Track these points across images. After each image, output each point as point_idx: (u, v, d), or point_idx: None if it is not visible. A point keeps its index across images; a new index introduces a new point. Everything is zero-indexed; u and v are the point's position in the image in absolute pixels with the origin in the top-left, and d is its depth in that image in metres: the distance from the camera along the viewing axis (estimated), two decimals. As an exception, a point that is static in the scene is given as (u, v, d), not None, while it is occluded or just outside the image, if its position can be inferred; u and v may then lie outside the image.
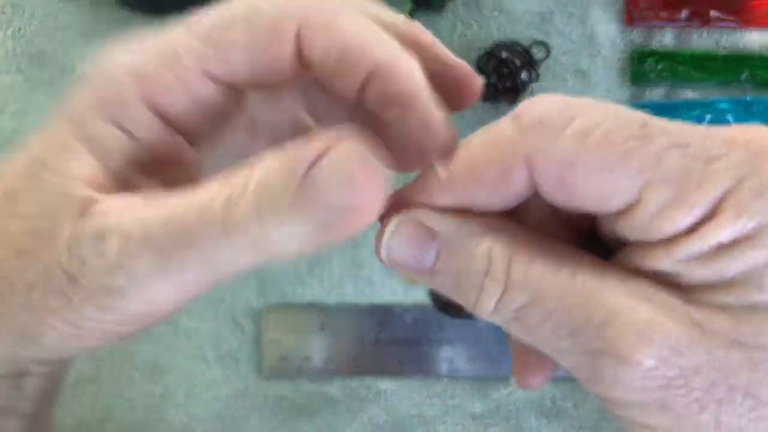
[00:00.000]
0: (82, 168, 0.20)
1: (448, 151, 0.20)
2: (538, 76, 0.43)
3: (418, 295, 0.45)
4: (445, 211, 0.20)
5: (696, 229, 0.18)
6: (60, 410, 0.44)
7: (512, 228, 0.20)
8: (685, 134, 0.18)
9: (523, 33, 0.45)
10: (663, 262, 0.18)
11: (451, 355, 0.45)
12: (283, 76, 0.21)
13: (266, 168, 0.19)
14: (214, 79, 0.21)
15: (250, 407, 0.46)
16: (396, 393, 0.46)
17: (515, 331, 0.20)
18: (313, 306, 0.45)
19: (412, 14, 0.44)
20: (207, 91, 0.21)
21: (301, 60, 0.21)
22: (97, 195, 0.20)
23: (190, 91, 0.21)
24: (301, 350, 0.45)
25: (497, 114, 0.44)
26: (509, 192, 0.20)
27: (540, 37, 0.45)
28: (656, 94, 0.45)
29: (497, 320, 0.20)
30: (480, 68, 0.44)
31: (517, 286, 0.19)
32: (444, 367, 0.45)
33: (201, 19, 0.21)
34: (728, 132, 0.18)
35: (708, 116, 0.44)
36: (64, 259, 0.19)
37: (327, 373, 0.45)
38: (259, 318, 0.45)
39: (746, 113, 0.46)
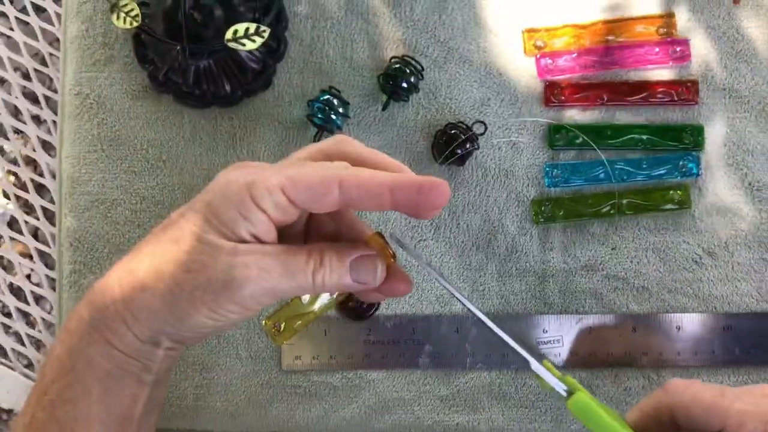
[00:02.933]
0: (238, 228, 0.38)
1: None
2: (478, 146, 0.58)
3: (396, 309, 0.59)
4: None
5: None
6: None
7: None
8: None
9: (468, 114, 0.59)
10: None
11: (422, 352, 0.58)
12: (325, 209, 0.38)
13: (332, 252, 0.38)
14: (292, 201, 0.38)
15: (273, 394, 0.58)
16: (382, 381, 0.58)
17: None
18: (319, 317, 0.59)
19: (386, 104, 0.59)
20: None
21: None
22: (241, 246, 0.37)
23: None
24: (311, 350, 0.58)
25: (449, 173, 0.58)
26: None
27: (480, 117, 0.59)
28: (568, 156, 0.58)
29: None
30: (437, 140, 0.58)
31: None
32: (418, 361, 0.58)
33: (292, 171, 0.38)
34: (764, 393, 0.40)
35: (602, 169, 0.59)
36: (221, 275, 0.36)
37: (330, 368, 0.58)
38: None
39: (637, 169, 0.59)
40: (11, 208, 0.66)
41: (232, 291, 0.37)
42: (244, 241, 0.38)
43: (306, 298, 0.44)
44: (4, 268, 0.67)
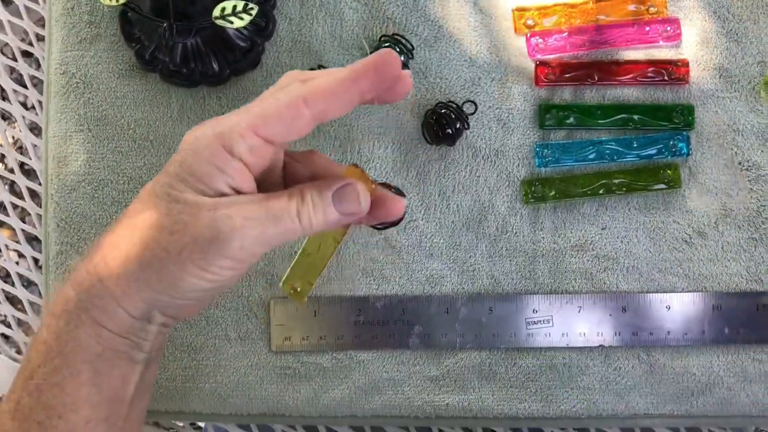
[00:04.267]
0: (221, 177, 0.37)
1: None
2: (468, 125, 0.58)
3: (386, 290, 0.59)
4: None
5: None
6: None
7: None
8: None
9: (458, 93, 0.59)
10: None
11: (412, 332, 0.58)
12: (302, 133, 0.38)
13: (313, 189, 0.38)
14: (267, 139, 0.38)
15: (263, 375, 0.58)
16: (372, 362, 0.58)
17: None
18: (308, 297, 0.59)
19: (376, 82, 0.58)
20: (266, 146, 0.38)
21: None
22: (221, 200, 0.37)
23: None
24: (301, 331, 0.58)
25: (439, 153, 0.58)
26: None
27: (470, 96, 0.59)
28: (558, 136, 0.58)
29: None
30: (427, 120, 0.58)
31: None
32: (408, 342, 0.58)
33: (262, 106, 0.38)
34: None
35: (592, 148, 0.59)
36: (206, 231, 0.35)
37: (320, 348, 0.58)
38: (268, 307, 0.58)
39: (627, 149, 0.59)
40: (-3, 189, 0.65)
41: (219, 245, 0.36)
42: (223, 195, 0.37)
43: (309, 247, 0.45)
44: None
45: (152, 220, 0.37)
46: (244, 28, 0.55)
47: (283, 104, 0.37)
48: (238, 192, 0.38)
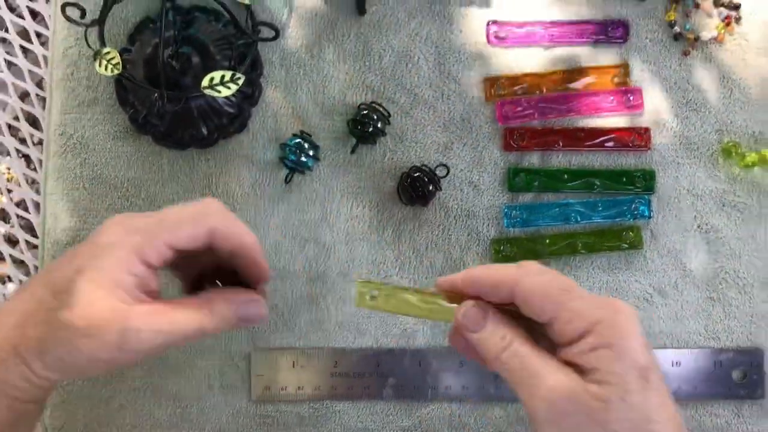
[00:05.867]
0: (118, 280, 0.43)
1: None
2: (440, 187, 0.61)
3: (362, 343, 0.62)
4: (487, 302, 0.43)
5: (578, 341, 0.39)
6: (107, 428, 0.61)
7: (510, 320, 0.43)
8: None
9: (432, 157, 0.62)
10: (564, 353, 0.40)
11: (386, 384, 0.60)
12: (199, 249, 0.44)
13: (220, 306, 0.45)
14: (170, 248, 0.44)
15: (244, 423, 0.61)
16: (347, 412, 0.61)
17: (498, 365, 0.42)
18: (286, 349, 0.61)
19: (354, 148, 0.62)
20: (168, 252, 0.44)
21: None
22: (122, 305, 0.43)
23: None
24: (280, 382, 0.60)
25: (413, 213, 0.62)
26: (502, 299, 0.42)
27: (444, 159, 0.62)
28: (526, 198, 0.61)
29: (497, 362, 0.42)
30: (402, 182, 0.61)
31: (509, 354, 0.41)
32: (382, 393, 0.60)
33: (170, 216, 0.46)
34: (602, 304, 0.40)
35: (558, 210, 0.62)
36: (114, 337, 0.42)
37: (298, 398, 0.60)
38: (249, 358, 0.61)
39: (592, 211, 0.63)
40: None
41: (121, 349, 0.42)
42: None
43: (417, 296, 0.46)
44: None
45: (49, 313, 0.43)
46: (232, 95, 0.59)
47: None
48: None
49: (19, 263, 0.69)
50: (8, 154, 0.70)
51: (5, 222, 0.70)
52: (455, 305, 0.44)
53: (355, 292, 0.45)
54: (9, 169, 0.71)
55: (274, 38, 0.59)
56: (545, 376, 0.39)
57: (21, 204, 0.71)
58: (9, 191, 0.71)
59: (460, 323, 0.43)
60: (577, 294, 0.40)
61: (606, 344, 0.39)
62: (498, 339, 0.42)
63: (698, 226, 0.62)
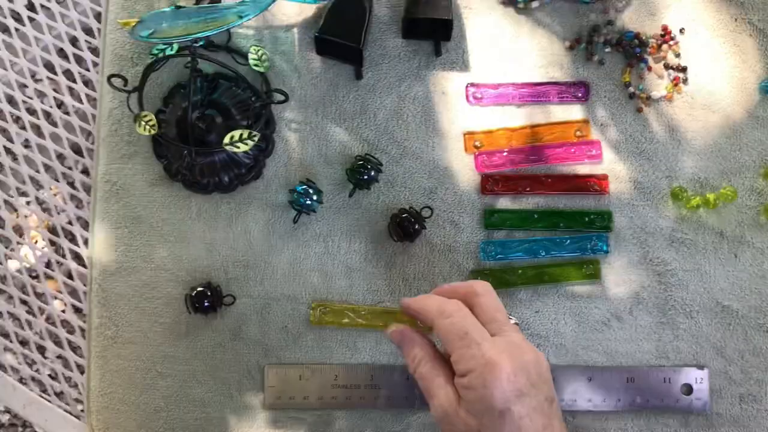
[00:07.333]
0: None
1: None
2: (425, 227, 0.71)
3: (358, 359, 0.72)
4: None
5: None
6: (145, 430, 0.71)
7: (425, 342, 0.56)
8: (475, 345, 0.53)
9: (419, 200, 0.72)
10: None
11: (379, 395, 0.69)
12: None
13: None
14: None
15: (258, 427, 0.70)
16: (346, 418, 0.70)
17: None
18: (295, 365, 0.70)
19: (352, 192, 0.72)
20: None
21: None
22: None
23: None
24: (289, 392, 0.70)
25: (403, 248, 0.72)
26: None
27: (428, 202, 0.72)
28: (500, 234, 0.70)
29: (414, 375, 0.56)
30: (392, 222, 0.71)
31: (418, 373, 0.55)
32: (375, 402, 0.69)
33: None
34: (486, 349, 0.52)
35: (528, 246, 0.71)
36: None
37: (304, 406, 0.69)
38: (263, 372, 0.70)
39: (557, 247, 0.72)
40: (54, 269, 0.80)
41: None
42: None
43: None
44: (47, 319, 0.82)
45: None
46: (249, 149, 0.70)
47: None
48: None
49: (72, 290, 0.81)
50: (63, 199, 0.82)
51: (60, 255, 0.82)
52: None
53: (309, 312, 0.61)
54: (64, 211, 0.83)
55: (285, 101, 0.70)
56: (436, 395, 0.54)
57: (73, 239, 0.83)
58: (63, 229, 0.83)
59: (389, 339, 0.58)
60: (469, 341, 0.53)
61: (473, 387, 0.52)
62: (410, 359, 0.56)
63: (650, 260, 0.71)
